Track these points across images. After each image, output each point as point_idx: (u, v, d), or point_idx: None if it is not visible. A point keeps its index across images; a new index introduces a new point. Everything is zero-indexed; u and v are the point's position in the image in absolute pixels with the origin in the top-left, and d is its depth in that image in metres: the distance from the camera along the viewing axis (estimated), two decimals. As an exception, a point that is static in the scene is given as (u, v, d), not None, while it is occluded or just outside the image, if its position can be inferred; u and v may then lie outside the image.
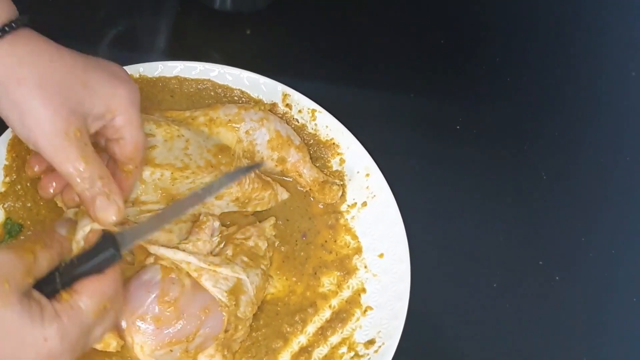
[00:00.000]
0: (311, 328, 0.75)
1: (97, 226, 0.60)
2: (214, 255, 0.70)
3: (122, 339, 0.65)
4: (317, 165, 0.82)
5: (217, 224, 0.72)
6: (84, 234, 0.59)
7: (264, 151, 0.78)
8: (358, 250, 0.79)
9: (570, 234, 0.87)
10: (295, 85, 0.83)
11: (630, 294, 0.85)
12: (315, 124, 0.83)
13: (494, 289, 0.82)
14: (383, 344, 0.73)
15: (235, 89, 0.83)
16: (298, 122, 0.84)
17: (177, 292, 0.66)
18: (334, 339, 0.75)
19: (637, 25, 1.05)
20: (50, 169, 0.67)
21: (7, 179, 0.74)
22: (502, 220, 0.87)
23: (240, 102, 0.83)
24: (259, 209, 0.78)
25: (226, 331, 0.68)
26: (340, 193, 0.80)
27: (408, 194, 0.80)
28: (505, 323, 0.81)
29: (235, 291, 0.68)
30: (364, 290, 0.77)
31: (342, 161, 0.82)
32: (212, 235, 0.71)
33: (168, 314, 0.65)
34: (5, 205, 0.73)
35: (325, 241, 0.79)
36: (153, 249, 0.67)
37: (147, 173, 0.70)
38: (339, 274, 0.78)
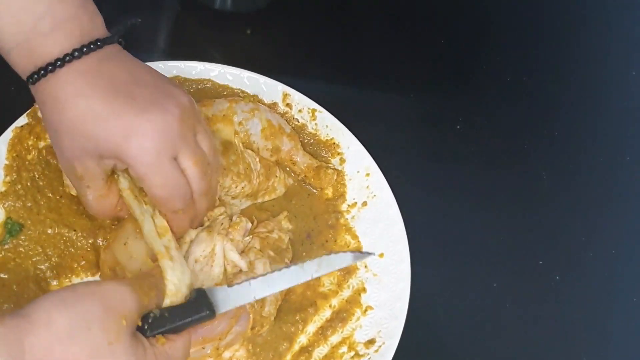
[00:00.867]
0: (311, 327, 0.75)
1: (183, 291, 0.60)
2: (243, 253, 0.70)
3: None
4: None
5: (249, 225, 0.72)
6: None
7: (259, 141, 0.78)
8: (358, 250, 0.79)
9: (570, 234, 0.87)
10: (295, 85, 0.83)
11: (631, 294, 0.85)
12: (316, 124, 0.83)
13: (494, 289, 0.82)
14: (383, 343, 0.73)
15: (236, 89, 0.83)
16: (298, 121, 0.84)
17: None
18: (334, 339, 0.75)
19: (637, 25, 1.05)
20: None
21: (8, 178, 0.74)
22: (502, 220, 0.87)
23: (238, 101, 0.83)
24: (267, 197, 0.78)
25: (252, 328, 0.69)
26: (335, 176, 0.80)
27: (408, 194, 0.80)
28: (505, 323, 0.81)
29: None
30: (364, 289, 0.77)
31: (342, 161, 0.82)
32: (244, 236, 0.71)
33: None
34: (6, 205, 0.73)
35: (326, 241, 0.79)
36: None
37: None
38: (339, 273, 0.78)
